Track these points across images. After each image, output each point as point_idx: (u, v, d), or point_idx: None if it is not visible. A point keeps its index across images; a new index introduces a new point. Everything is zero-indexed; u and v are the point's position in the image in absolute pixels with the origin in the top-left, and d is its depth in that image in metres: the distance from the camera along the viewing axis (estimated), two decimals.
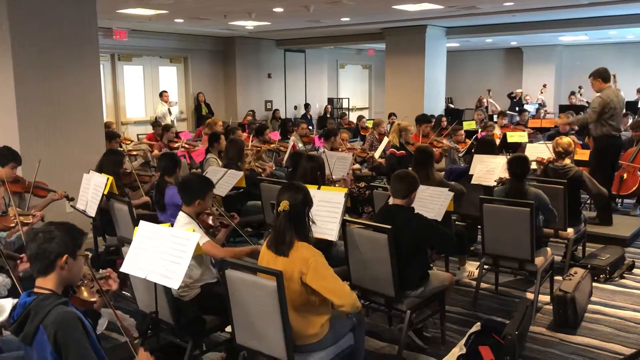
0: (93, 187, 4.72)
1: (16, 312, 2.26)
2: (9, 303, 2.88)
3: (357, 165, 7.88)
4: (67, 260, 2.26)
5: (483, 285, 4.88)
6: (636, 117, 10.51)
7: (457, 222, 5.84)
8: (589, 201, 7.34)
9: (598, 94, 6.41)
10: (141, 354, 2.35)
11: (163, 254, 2.89)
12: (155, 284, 2.95)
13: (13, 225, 3.88)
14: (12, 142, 5.54)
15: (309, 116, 16.14)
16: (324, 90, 18.43)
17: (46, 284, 2.26)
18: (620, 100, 6.52)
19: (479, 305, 4.63)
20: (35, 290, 2.27)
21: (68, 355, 2.12)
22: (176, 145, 7.84)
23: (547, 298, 4.63)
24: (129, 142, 8.80)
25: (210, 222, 3.77)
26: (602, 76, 6.45)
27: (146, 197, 5.25)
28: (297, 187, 2.98)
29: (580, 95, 15.44)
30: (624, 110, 10.11)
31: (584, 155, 6.77)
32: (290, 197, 2.86)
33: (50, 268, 2.25)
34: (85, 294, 2.43)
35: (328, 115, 16.27)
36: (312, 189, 3.78)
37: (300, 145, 8.99)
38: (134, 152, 7.72)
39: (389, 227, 3.47)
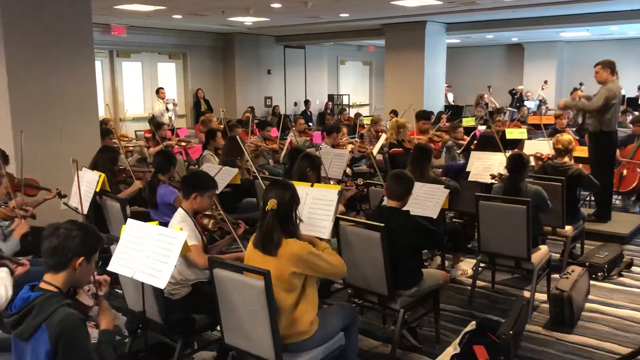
0: (85, 185, 4.67)
1: (16, 305, 2.23)
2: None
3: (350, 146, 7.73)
4: (82, 263, 2.26)
5: (479, 283, 4.84)
6: (636, 113, 10.42)
7: (454, 219, 5.80)
8: (587, 198, 7.29)
9: (605, 87, 6.07)
10: (103, 305, 2.41)
11: (150, 252, 2.84)
12: (142, 282, 2.91)
13: (14, 215, 3.97)
14: (5, 139, 5.51)
15: (309, 113, 16.08)
16: (324, 86, 18.37)
17: (55, 280, 2.25)
18: (620, 98, 6.30)
19: (474, 304, 4.59)
20: (42, 285, 2.25)
21: (73, 358, 2.12)
22: (170, 142, 7.78)
23: (544, 296, 4.57)
24: (126, 138, 8.76)
25: (208, 224, 3.70)
26: (611, 67, 6.15)
27: (138, 182, 5.18)
28: (284, 184, 2.93)
29: (582, 91, 15.33)
30: (624, 107, 10.09)
31: (582, 152, 6.69)
32: (277, 195, 2.81)
33: (64, 266, 2.24)
34: (84, 298, 2.43)
35: (328, 112, 16.22)
36: (306, 187, 3.74)
37: (299, 139, 8.95)
38: (130, 148, 7.68)
39: (382, 225, 3.43)
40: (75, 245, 2.24)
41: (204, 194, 3.58)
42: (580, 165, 7.00)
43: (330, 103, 17.20)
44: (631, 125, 8.18)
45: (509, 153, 5.20)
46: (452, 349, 3.61)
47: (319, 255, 2.82)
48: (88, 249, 2.28)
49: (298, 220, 2.92)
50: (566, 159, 5.35)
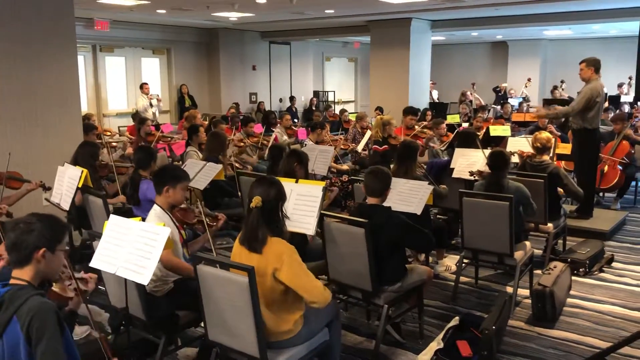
0: (67, 180, 4.62)
1: None
2: None
3: (344, 166, 7.76)
4: (45, 254, 2.22)
5: (463, 279, 4.87)
6: (617, 111, 10.56)
7: (438, 216, 5.83)
8: None
9: (588, 86, 6.09)
10: None
11: (133, 248, 2.82)
12: (125, 279, 2.89)
13: None
14: None
15: (294, 109, 16.05)
16: (310, 83, 18.33)
17: (23, 275, 2.22)
18: (603, 96, 6.34)
19: (458, 300, 4.62)
20: (11, 281, 2.22)
21: (37, 345, 2.05)
22: (153, 138, 7.72)
23: (526, 292, 4.62)
24: (109, 133, 8.67)
25: (186, 219, 3.68)
26: (595, 65, 6.14)
27: (122, 197, 5.16)
28: (270, 181, 2.91)
29: (563, 89, 15.52)
30: (606, 105, 10.20)
31: (565, 149, 6.75)
32: (262, 192, 2.80)
33: (27, 260, 2.21)
34: (62, 289, 2.40)
35: (314, 108, 16.20)
36: (290, 183, 3.74)
37: (285, 137, 8.93)
38: (114, 144, 7.60)
39: (366, 221, 3.43)
40: (33, 238, 2.20)
41: (175, 186, 3.52)
42: (563, 163, 7.08)
43: (315, 99, 17.18)
44: (612, 123, 8.28)
45: (489, 150, 5.23)
46: (436, 344, 3.64)
47: (301, 264, 2.79)
48: (49, 240, 2.23)
49: (284, 218, 2.90)
50: (545, 156, 5.38)
